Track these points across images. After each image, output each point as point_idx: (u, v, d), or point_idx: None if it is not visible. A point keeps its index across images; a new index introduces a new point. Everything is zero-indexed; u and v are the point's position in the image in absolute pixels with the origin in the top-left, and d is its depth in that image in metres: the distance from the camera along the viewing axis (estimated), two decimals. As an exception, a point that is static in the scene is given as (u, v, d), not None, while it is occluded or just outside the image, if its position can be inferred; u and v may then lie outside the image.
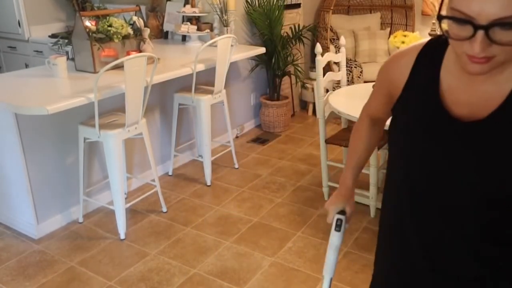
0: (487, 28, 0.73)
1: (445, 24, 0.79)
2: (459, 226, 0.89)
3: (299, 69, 4.40)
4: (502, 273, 0.90)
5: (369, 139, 1.21)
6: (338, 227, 1.22)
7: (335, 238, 1.22)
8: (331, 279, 1.30)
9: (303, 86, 4.89)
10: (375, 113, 1.15)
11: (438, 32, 4.00)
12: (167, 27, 4.20)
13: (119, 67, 2.51)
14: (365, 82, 4.55)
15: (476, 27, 0.74)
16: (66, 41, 3.17)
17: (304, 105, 5.07)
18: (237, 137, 4.40)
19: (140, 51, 3.17)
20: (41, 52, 4.53)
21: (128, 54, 3.05)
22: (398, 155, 0.98)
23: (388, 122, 1.09)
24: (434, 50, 0.92)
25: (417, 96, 0.93)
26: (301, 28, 4.38)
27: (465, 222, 0.88)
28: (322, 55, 2.95)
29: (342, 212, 1.22)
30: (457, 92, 0.88)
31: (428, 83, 0.92)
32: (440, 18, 0.79)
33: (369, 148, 1.22)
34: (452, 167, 0.87)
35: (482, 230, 0.88)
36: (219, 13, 3.84)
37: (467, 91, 0.87)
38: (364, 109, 1.20)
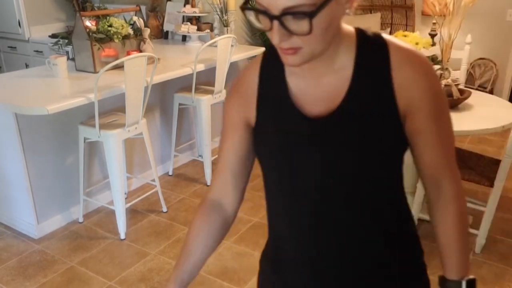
0: (279, 18, 0.73)
1: (252, 17, 0.79)
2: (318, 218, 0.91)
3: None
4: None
5: (209, 238, 1.01)
6: None
7: None
8: None
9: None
10: (231, 171, 1.01)
11: (437, 32, 3.95)
12: (167, 27, 4.20)
13: (119, 67, 2.51)
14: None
15: (271, 17, 0.74)
16: (66, 41, 3.17)
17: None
18: (237, 137, 4.39)
19: (140, 51, 3.17)
20: (41, 52, 4.53)
21: (128, 54, 3.05)
22: (268, 167, 0.95)
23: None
24: (275, 55, 0.87)
25: (271, 105, 0.91)
26: (301, 28, 4.37)
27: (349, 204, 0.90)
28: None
29: None
30: (306, 90, 0.88)
31: (277, 90, 0.90)
32: (242, 9, 0.78)
33: (207, 251, 1.02)
34: (300, 165, 0.88)
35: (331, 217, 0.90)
36: (219, 13, 3.84)
37: (314, 87, 0.87)
38: (208, 192, 1.04)
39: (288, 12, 0.72)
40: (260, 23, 0.79)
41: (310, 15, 0.72)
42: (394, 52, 0.84)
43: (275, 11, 0.73)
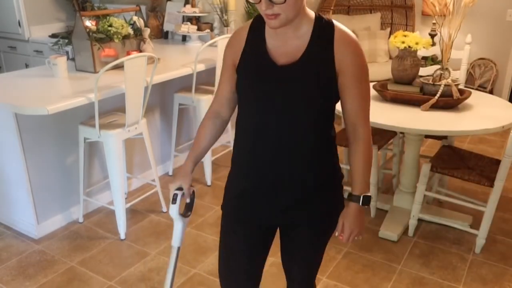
0: None
1: None
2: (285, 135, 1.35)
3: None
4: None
5: (213, 133, 1.52)
6: (174, 201, 1.53)
7: (172, 210, 1.53)
8: (178, 248, 1.62)
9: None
10: (225, 96, 1.47)
11: (437, 32, 3.96)
12: (167, 27, 4.20)
13: (119, 67, 2.51)
14: (365, 82, 4.54)
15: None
16: (66, 41, 3.17)
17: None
18: (237, 137, 4.40)
19: (140, 51, 3.17)
20: (41, 52, 4.53)
21: (128, 54, 3.05)
22: (244, 95, 1.39)
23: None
24: (260, 22, 1.35)
25: (252, 55, 1.35)
26: (301, 28, 4.37)
27: (298, 120, 1.33)
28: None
29: (179, 188, 1.55)
30: (278, 48, 1.32)
31: (258, 45, 1.34)
32: None
33: (212, 141, 1.55)
34: (269, 94, 1.32)
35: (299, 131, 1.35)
36: (219, 13, 3.84)
37: (283, 46, 1.31)
38: (211, 107, 1.52)
39: None
40: None
41: None
42: (337, 32, 1.29)
43: None
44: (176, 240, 1.59)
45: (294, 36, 1.30)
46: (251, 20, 1.40)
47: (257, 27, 1.36)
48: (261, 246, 1.56)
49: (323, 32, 1.29)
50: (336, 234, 1.47)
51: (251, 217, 1.49)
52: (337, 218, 1.45)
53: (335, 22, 1.31)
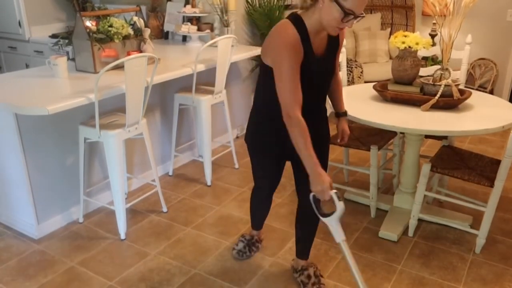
0: (357, 17, 1.75)
1: (339, 12, 1.73)
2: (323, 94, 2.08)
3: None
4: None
5: (306, 130, 1.85)
6: (339, 198, 1.78)
7: (343, 206, 1.79)
8: (344, 241, 1.83)
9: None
10: (301, 95, 1.84)
11: (438, 32, 3.94)
12: (167, 27, 4.20)
13: (120, 67, 2.51)
14: (365, 82, 4.54)
15: (356, 17, 1.74)
16: (67, 41, 3.17)
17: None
18: (237, 137, 4.40)
19: (141, 52, 3.17)
20: (41, 52, 4.53)
21: (128, 54, 3.05)
22: (306, 75, 1.86)
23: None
24: (300, 25, 1.82)
25: (306, 52, 1.83)
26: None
27: (324, 93, 2.08)
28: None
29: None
30: (315, 44, 1.87)
31: (307, 44, 1.83)
32: (344, 12, 1.72)
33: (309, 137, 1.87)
34: (321, 73, 1.96)
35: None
36: (219, 13, 3.84)
37: (317, 43, 1.88)
38: (294, 105, 1.81)
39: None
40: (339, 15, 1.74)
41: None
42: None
43: (358, 14, 1.74)
44: (341, 234, 1.84)
45: (324, 38, 1.93)
46: (290, 24, 1.81)
47: (301, 31, 1.81)
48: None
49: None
50: (338, 140, 2.39)
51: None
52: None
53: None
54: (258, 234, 2.65)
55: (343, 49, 3.21)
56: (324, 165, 2.12)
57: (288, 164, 2.18)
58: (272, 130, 2.01)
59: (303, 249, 2.38)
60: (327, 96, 2.18)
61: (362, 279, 1.83)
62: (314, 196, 1.85)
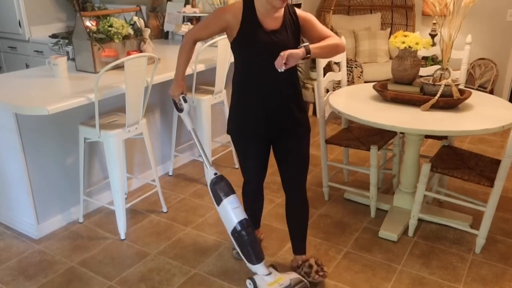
0: None
1: None
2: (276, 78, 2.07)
3: (300, 69, 4.40)
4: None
5: (190, 56, 2.25)
6: (185, 100, 2.31)
7: (186, 106, 2.32)
8: (193, 129, 2.37)
9: (304, 86, 4.89)
10: (201, 38, 2.17)
11: (438, 32, 3.93)
12: (167, 27, 4.20)
13: (120, 67, 2.52)
14: (365, 82, 4.54)
15: None
16: (67, 41, 3.17)
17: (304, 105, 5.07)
18: (237, 137, 4.39)
19: (141, 51, 3.17)
20: (41, 52, 4.53)
21: (128, 54, 3.05)
22: (247, 54, 2.08)
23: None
24: (248, 3, 2.03)
25: (249, 25, 2.02)
26: (301, 28, 4.37)
27: (278, 76, 2.04)
28: (323, 55, 2.96)
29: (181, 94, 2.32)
30: (266, 18, 2.03)
31: (253, 19, 2.02)
32: None
33: (188, 62, 2.27)
34: (266, 50, 2.02)
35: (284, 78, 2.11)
36: (219, 13, 3.83)
37: (270, 17, 2.04)
38: (190, 36, 2.18)
39: None
40: None
41: None
42: (298, 13, 2.13)
43: None
44: (190, 124, 2.37)
45: (276, 13, 2.05)
46: (240, 2, 2.04)
47: (248, 4, 2.03)
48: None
49: (289, 10, 2.12)
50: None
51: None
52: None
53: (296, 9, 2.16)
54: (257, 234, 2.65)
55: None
56: (299, 155, 2.25)
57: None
58: (246, 110, 2.16)
59: (299, 245, 2.43)
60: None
61: (208, 159, 2.38)
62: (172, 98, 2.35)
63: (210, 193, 2.28)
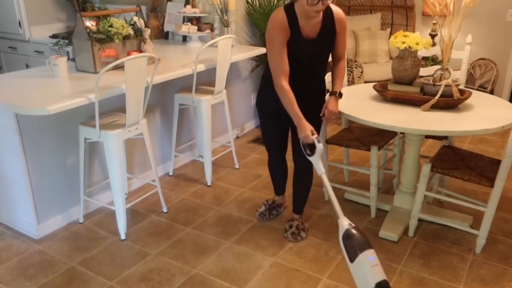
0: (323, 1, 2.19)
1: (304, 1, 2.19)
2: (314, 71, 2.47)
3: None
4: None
5: (292, 92, 2.33)
6: (318, 140, 2.27)
7: (320, 147, 2.25)
8: (325, 174, 2.25)
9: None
10: (286, 67, 2.32)
11: (438, 32, 3.94)
12: (167, 27, 4.20)
13: (120, 67, 2.51)
14: (365, 82, 4.54)
15: (319, 1, 2.17)
16: (67, 41, 3.17)
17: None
18: (237, 137, 4.40)
19: (141, 52, 3.17)
20: (41, 52, 4.53)
21: (128, 54, 3.05)
22: (294, 54, 2.34)
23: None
24: (290, 12, 2.28)
25: (293, 37, 2.29)
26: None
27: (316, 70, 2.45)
28: (323, 55, 2.96)
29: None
30: (306, 26, 2.30)
31: (295, 28, 2.28)
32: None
33: (294, 98, 2.35)
34: (306, 54, 2.37)
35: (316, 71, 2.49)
36: (219, 13, 3.84)
37: (309, 27, 2.31)
38: (276, 76, 2.32)
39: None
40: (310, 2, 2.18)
41: None
42: (336, 15, 2.38)
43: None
44: (321, 168, 2.27)
45: (315, 22, 2.32)
46: (282, 12, 2.27)
47: (290, 16, 2.27)
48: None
49: (327, 16, 2.38)
50: (321, 115, 2.53)
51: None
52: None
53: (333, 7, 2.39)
54: (280, 200, 3.02)
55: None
56: (316, 126, 2.51)
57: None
58: (271, 92, 2.42)
59: (298, 203, 2.79)
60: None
61: (340, 208, 2.10)
62: (302, 141, 2.35)
63: (342, 247, 1.91)
